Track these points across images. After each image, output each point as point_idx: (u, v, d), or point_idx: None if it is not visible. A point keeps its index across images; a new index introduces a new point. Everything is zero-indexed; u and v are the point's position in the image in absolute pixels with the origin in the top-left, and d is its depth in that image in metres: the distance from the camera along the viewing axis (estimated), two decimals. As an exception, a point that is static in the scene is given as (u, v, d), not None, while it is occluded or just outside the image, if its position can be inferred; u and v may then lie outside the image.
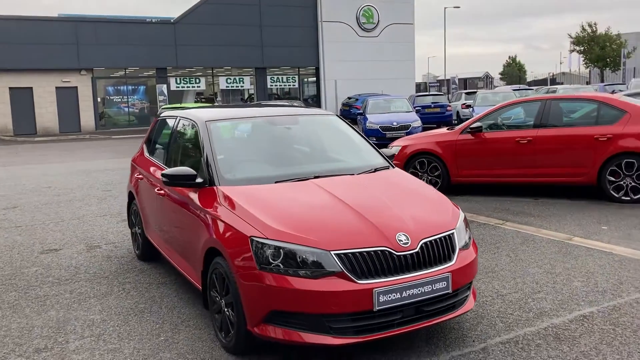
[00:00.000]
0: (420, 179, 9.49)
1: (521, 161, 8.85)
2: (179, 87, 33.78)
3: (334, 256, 3.40)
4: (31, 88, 30.15)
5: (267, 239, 3.50)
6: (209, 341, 4.07)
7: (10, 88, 29.83)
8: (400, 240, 3.55)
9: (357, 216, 3.70)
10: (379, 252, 3.48)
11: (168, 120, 5.69)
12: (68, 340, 4.17)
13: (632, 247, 6.00)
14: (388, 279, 3.44)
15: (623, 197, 8.18)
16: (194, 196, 4.36)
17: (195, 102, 32.29)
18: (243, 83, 35.60)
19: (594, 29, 54.41)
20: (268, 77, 36.06)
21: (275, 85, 36.77)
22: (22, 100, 29.97)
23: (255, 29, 34.35)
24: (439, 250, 3.67)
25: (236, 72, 35.57)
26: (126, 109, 32.99)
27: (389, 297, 3.41)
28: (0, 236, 7.53)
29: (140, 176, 5.92)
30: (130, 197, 6.35)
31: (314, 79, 37.33)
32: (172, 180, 4.31)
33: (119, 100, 32.67)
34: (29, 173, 14.65)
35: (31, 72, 29.81)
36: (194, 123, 4.87)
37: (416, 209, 3.99)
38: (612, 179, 8.22)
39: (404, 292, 3.45)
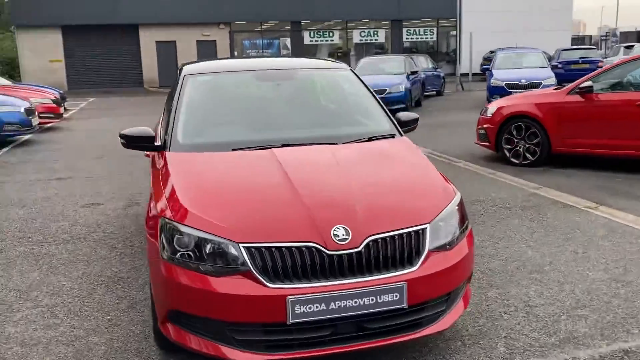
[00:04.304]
0: (516, 146, 8.17)
1: (642, 130, 7.16)
2: (312, 40, 33.52)
3: (242, 249, 2.68)
4: (175, 41, 31.72)
5: (174, 220, 2.86)
6: (150, 328, 3.57)
7: (156, 42, 31.65)
8: (336, 236, 2.71)
9: (293, 201, 2.90)
10: (304, 248, 2.68)
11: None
12: (20, 309, 3.92)
13: None
14: (309, 284, 2.64)
15: None
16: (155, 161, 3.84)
17: (328, 57, 31.81)
18: (377, 36, 34.32)
19: None
20: (404, 30, 34.42)
21: (412, 39, 35.03)
22: (167, 53, 31.67)
23: (392, -22, 32.78)
24: (394, 251, 2.77)
25: (373, 24, 34.41)
26: (261, 63, 33.53)
27: (308, 308, 2.62)
28: (68, 185, 7.70)
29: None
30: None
31: (456, 32, 34.95)
32: (129, 142, 3.79)
33: (255, 54, 33.27)
34: (141, 123, 15.23)
35: (175, 26, 31.26)
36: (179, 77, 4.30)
37: (386, 193, 3.09)
38: None
39: (332, 304, 2.64)
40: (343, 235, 2.71)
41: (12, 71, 32.12)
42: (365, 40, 34.29)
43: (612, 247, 4.77)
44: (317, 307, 2.63)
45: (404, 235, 2.81)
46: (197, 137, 3.75)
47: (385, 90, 15.61)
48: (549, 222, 5.49)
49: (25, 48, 30.48)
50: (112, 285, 4.28)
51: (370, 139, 3.74)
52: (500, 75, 16.42)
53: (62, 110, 15.05)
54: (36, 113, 12.23)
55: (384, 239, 2.77)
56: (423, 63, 21.05)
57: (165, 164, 3.42)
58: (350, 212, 2.83)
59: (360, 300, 2.67)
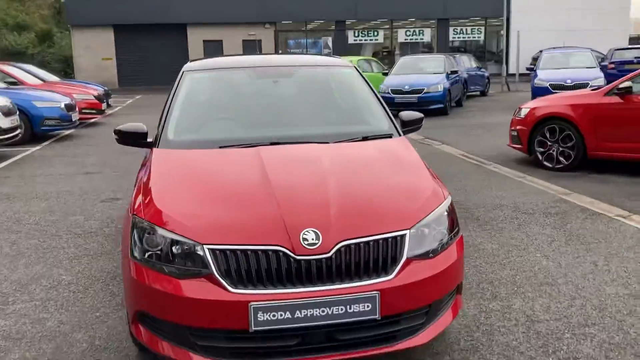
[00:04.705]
0: (549, 149, 7.81)
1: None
2: (356, 40, 33.29)
3: (207, 251, 2.57)
4: (221, 41, 32.10)
5: (144, 219, 2.79)
6: (135, 327, 3.53)
7: (204, 41, 32.10)
8: (305, 240, 2.57)
9: (267, 202, 2.78)
10: (270, 252, 2.55)
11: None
12: (15, 301, 3.94)
13: None
14: (274, 291, 2.51)
15: None
16: None
17: (372, 56, 31.44)
18: (423, 35, 33.77)
19: None
20: (450, 29, 33.76)
21: (459, 38, 34.31)
22: (213, 52, 32.05)
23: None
24: (367, 258, 2.61)
25: (419, 24, 33.89)
26: (306, 62, 33.56)
27: (272, 315, 2.49)
28: (94, 179, 7.81)
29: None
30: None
31: (505, 31, 34.01)
32: (122, 138, 3.77)
33: (299, 53, 33.29)
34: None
35: (222, 26, 31.63)
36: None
37: (367, 196, 2.92)
38: None
39: (297, 312, 2.50)
40: (312, 239, 2.57)
41: (68, 68, 33.27)
42: (411, 39, 33.81)
43: (638, 259, 4.44)
44: (281, 315, 2.49)
45: (380, 241, 2.64)
46: (187, 134, 3.68)
47: (423, 89, 15.31)
48: (573, 230, 5.18)
49: (79, 46, 31.49)
50: (109, 282, 4.26)
51: (364, 139, 3.58)
52: (545, 75, 15.81)
53: (104, 106, 15.39)
54: (77, 109, 12.52)
55: (357, 244, 2.61)
56: (466, 62, 20.53)
57: (150, 161, 3.36)
58: (323, 215, 2.68)
59: (328, 309, 2.52)
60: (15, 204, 6.53)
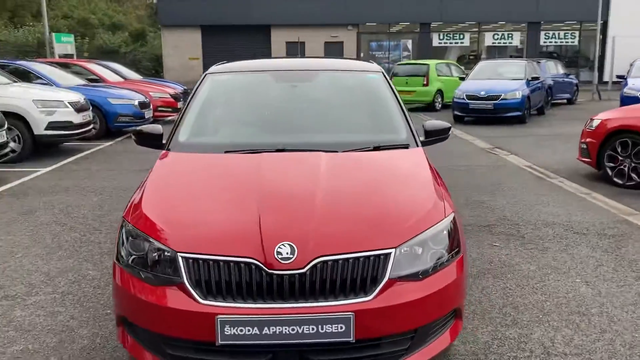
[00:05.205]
0: (620, 165, 7.21)
1: None
2: (441, 43, 32.53)
3: (181, 259, 2.52)
4: (304, 42, 32.41)
5: (130, 223, 2.79)
6: (138, 327, 3.55)
7: (286, 42, 32.57)
8: (279, 254, 2.46)
9: (251, 212, 2.69)
10: (242, 265, 2.46)
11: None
12: (38, 292, 4.10)
13: None
14: (242, 305, 2.42)
15: None
16: None
17: (458, 60, 30.60)
18: (512, 39, 32.43)
19: None
20: (542, 33, 32.21)
21: (550, 42, 32.69)
22: (295, 53, 32.45)
23: (532, -24, 30.80)
24: (345, 276, 2.46)
25: (511, 27, 32.62)
26: (387, 65, 33.20)
27: (239, 330, 2.40)
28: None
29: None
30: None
31: (600, 36, 32.03)
32: (140, 139, 3.82)
33: (381, 55, 32.96)
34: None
35: (304, 27, 31.95)
36: (205, 76, 4.26)
37: (357, 210, 2.77)
38: None
39: (266, 329, 2.40)
40: (287, 253, 2.46)
41: (159, 67, 34.84)
42: (499, 43, 32.58)
43: (693, 293, 3.97)
44: (248, 330, 2.40)
45: (361, 259, 2.49)
46: (197, 137, 3.68)
47: (500, 96, 14.68)
48: (626, 255, 4.72)
49: (168, 46, 32.85)
50: (130, 279, 4.33)
51: (377, 149, 3.40)
52: (637, 84, 14.70)
53: (180, 104, 15.90)
54: (151, 106, 13.01)
55: (335, 261, 2.46)
56: (552, 68, 19.52)
57: (156, 163, 3.38)
58: (302, 228, 2.56)
59: (298, 328, 2.40)
60: (70, 197, 6.84)
